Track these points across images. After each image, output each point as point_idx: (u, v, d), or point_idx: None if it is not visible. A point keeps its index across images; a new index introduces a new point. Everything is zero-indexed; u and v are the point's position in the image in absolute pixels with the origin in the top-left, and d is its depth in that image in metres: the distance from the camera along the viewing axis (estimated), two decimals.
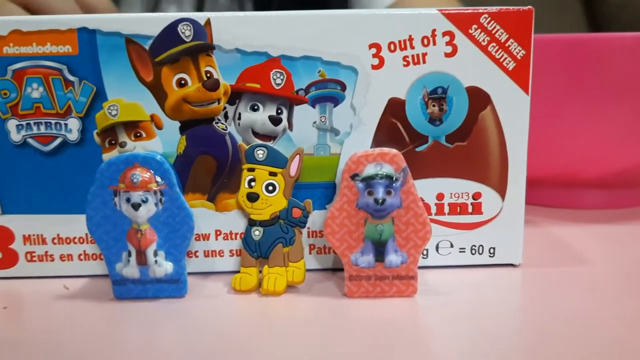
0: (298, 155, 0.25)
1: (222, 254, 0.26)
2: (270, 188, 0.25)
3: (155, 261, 0.24)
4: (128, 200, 0.23)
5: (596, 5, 1.34)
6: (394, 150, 0.23)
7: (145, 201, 0.23)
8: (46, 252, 0.26)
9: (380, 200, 0.23)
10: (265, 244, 0.25)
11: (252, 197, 0.25)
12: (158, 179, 0.23)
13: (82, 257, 0.26)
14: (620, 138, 0.33)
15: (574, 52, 0.32)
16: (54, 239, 0.26)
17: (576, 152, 0.34)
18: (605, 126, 0.33)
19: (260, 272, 0.25)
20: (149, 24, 0.25)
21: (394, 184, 0.23)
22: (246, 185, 0.25)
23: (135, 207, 0.23)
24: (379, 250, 0.23)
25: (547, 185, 0.36)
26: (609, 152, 0.34)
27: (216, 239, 0.26)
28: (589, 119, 0.33)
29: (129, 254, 0.24)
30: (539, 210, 0.36)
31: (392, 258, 0.23)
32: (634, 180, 0.35)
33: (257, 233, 0.25)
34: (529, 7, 0.25)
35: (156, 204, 0.23)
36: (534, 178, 0.34)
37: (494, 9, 0.25)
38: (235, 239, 0.26)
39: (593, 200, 0.36)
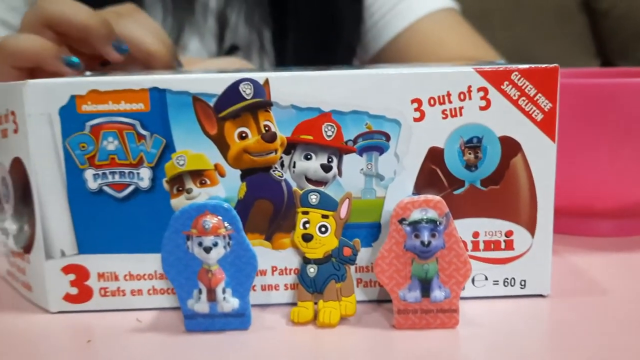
0: (347, 199, 0.28)
1: (277, 288, 0.29)
2: (323, 229, 0.28)
3: (224, 298, 0.26)
4: (200, 244, 0.26)
5: (599, 18, 1.37)
6: (437, 197, 0.26)
7: (215, 245, 0.26)
8: (118, 287, 0.29)
9: (426, 243, 0.26)
10: (319, 280, 0.28)
11: (307, 238, 0.28)
12: (226, 224, 0.26)
13: (150, 291, 0.29)
14: (633, 173, 0.36)
15: (591, 96, 0.34)
16: (125, 275, 0.29)
17: (593, 186, 0.36)
18: (620, 162, 0.36)
19: (316, 304, 0.28)
20: (213, 83, 0.27)
21: (438, 228, 0.26)
22: (301, 227, 0.28)
23: (207, 250, 0.26)
24: (425, 286, 0.26)
25: (565, 215, 0.38)
26: (623, 186, 0.36)
27: (272, 274, 0.29)
28: (605, 156, 0.35)
29: (200, 292, 0.26)
30: (558, 238, 0.39)
31: (437, 294, 0.26)
32: None
33: (312, 270, 0.28)
34: (555, 64, 0.28)
35: (224, 247, 0.26)
36: (554, 208, 0.36)
37: (524, 67, 0.28)
38: (290, 274, 0.29)
39: (608, 229, 0.39)
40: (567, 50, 1.38)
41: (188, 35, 0.73)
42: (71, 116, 0.28)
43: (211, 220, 0.26)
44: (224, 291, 0.26)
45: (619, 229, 0.39)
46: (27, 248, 0.30)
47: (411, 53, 0.75)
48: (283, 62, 0.72)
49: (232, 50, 0.73)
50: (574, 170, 0.36)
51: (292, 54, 0.72)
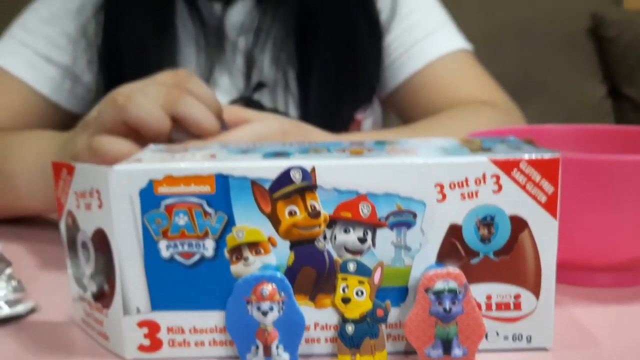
0: (380, 267, 0.33)
1: (319, 341, 0.34)
2: (360, 293, 0.33)
3: (277, 353, 0.31)
4: (258, 308, 0.31)
5: (606, 45, 1.42)
6: (458, 270, 0.31)
7: (271, 309, 0.31)
8: (184, 339, 0.34)
9: (447, 310, 0.31)
10: (356, 337, 0.33)
11: (346, 301, 0.33)
12: (280, 292, 0.31)
13: (211, 343, 0.34)
14: (630, 230, 0.41)
15: (592, 170, 0.39)
16: (190, 329, 0.34)
17: (592, 242, 0.41)
18: (617, 221, 0.40)
19: (353, 358, 0.33)
20: (269, 170, 0.33)
21: (457, 297, 0.31)
22: (341, 291, 0.33)
23: (264, 314, 0.31)
24: (446, 345, 0.31)
25: (567, 267, 0.43)
26: (620, 242, 0.41)
27: (315, 329, 0.34)
28: (603, 215, 0.40)
29: (257, 348, 0.32)
30: (561, 288, 0.43)
31: (457, 352, 0.31)
32: None
33: (349, 328, 0.33)
34: (558, 155, 0.33)
35: (279, 311, 0.31)
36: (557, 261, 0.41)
37: (531, 156, 0.33)
38: (330, 329, 0.34)
39: (606, 280, 0.43)
40: (575, 75, 1.43)
41: (219, 73, 0.79)
42: (149, 197, 0.33)
43: (267, 289, 0.31)
44: (277, 347, 0.32)
45: (617, 280, 0.44)
46: (106, 304, 0.35)
47: (425, 93, 0.79)
48: (307, 100, 0.77)
49: (258, 87, 0.79)
50: (574, 227, 0.41)
51: (315, 92, 0.77)
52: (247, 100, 0.77)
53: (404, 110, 0.83)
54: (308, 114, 0.75)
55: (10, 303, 0.41)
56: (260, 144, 0.39)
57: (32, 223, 0.62)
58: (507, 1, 1.41)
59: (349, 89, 0.79)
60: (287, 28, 0.76)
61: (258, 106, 0.77)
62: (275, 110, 0.77)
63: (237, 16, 0.78)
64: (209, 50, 0.77)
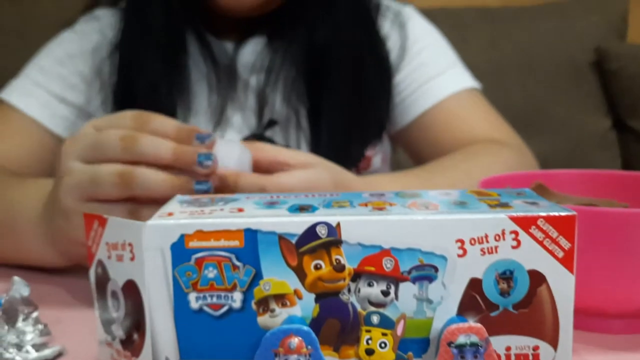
0: (403, 320, 0.34)
1: None
2: (383, 345, 0.34)
3: None
4: None
5: (610, 78, 1.44)
6: (479, 325, 0.32)
7: None
8: None
9: None
10: None
11: (370, 352, 0.34)
12: (307, 345, 0.32)
13: None
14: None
15: (604, 222, 0.41)
16: None
17: (606, 291, 0.42)
18: (630, 270, 0.42)
19: None
20: (296, 225, 0.34)
21: (479, 350, 0.32)
22: (365, 343, 0.34)
23: None
24: None
25: (582, 314, 0.44)
26: (633, 289, 0.42)
27: None
28: (616, 264, 0.41)
29: None
30: (576, 335, 0.44)
31: None
32: None
33: None
34: (574, 213, 0.34)
35: None
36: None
37: (549, 214, 0.34)
38: None
39: (620, 327, 0.44)
40: (579, 108, 1.45)
41: (231, 111, 0.80)
42: (180, 250, 0.34)
43: (295, 342, 0.32)
44: None
45: (630, 327, 0.44)
46: (135, 352, 0.36)
47: (436, 131, 0.81)
48: (318, 137, 0.78)
49: (270, 125, 0.80)
50: (588, 275, 0.42)
51: (326, 130, 0.78)
52: (259, 137, 0.78)
53: (414, 147, 0.85)
54: (319, 151, 0.76)
55: (37, 347, 0.42)
56: (285, 195, 0.40)
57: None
58: (512, 36, 1.44)
59: (359, 126, 0.80)
60: (298, 66, 0.78)
61: (270, 143, 0.78)
62: (286, 147, 0.78)
63: (248, 55, 0.80)
64: (221, 89, 0.79)
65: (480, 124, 0.80)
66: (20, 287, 0.43)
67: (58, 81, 0.78)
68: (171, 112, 0.75)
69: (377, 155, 0.84)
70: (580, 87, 1.44)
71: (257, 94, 0.80)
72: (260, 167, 0.50)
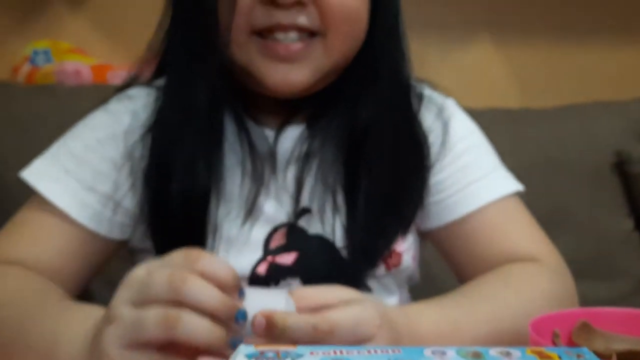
0: None
1: None
2: None
3: None
4: None
5: (631, 180, 1.46)
6: None
7: None
8: None
9: None
10: None
11: None
12: None
13: None
14: None
15: None
16: None
17: None
18: None
19: None
20: None
21: None
22: None
23: None
24: None
25: None
26: None
27: None
28: None
29: None
30: None
31: None
32: None
33: None
34: None
35: None
36: None
37: None
38: None
39: None
40: (602, 209, 1.46)
41: (264, 198, 0.79)
42: None
43: None
44: None
45: None
46: None
47: (474, 240, 0.80)
48: (354, 217, 0.77)
49: (302, 214, 0.79)
50: None
51: (362, 210, 0.77)
52: (290, 227, 0.78)
53: (448, 249, 0.84)
54: (354, 233, 0.76)
55: None
56: (348, 350, 0.41)
57: None
58: (534, 138, 1.48)
59: (393, 208, 0.79)
60: (337, 148, 0.78)
61: (302, 233, 0.79)
62: (320, 237, 0.78)
63: (286, 144, 0.80)
64: (256, 177, 0.78)
65: (520, 239, 0.80)
66: None
67: (87, 169, 0.78)
68: (204, 198, 0.75)
69: (407, 252, 0.84)
70: (603, 188, 1.46)
71: (294, 181, 0.79)
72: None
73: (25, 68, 1.54)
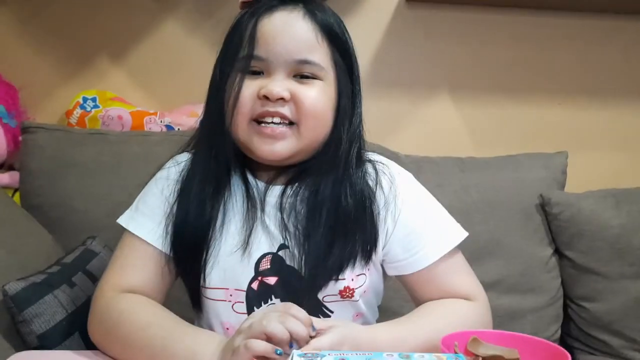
0: None
1: None
2: None
3: None
4: None
5: (551, 219, 1.83)
6: None
7: None
8: None
9: None
10: None
11: None
12: None
13: None
14: None
15: None
16: None
17: None
18: None
19: None
20: None
21: None
22: None
23: None
24: None
25: None
26: None
27: None
28: None
29: None
30: None
31: None
32: None
33: None
34: None
35: None
36: None
37: None
38: None
39: None
40: (529, 240, 1.82)
41: (254, 234, 1.06)
42: None
43: None
44: None
45: None
46: None
47: (426, 284, 1.11)
48: (310, 254, 1.04)
49: (281, 248, 1.06)
50: None
51: (317, 251, 1.03)
52: (274, 256, 1.06)
53: (408, 288, 1.12)
54: (310, 265, 1.02)
55: None
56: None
57: None
58: (478, 184, 1.82)
59: (340, 251, 1.03)
60: (305, 207, 1.04)
61: (282, 262, 1.05)
62: (292, 268, 1.04)
63: (273, 197, 1.06)
64: (249, 218, 1.05)
65: (459, 284, 1.07)
66: None
67: (157, 211, 1.10)
68: (206, 231, 1.05)
69: (359, 289, 1.07)
70: (530, 224, 1.80)
71: (278, 224, 1.05)
72: None
73: (77, 112, 1.85)
